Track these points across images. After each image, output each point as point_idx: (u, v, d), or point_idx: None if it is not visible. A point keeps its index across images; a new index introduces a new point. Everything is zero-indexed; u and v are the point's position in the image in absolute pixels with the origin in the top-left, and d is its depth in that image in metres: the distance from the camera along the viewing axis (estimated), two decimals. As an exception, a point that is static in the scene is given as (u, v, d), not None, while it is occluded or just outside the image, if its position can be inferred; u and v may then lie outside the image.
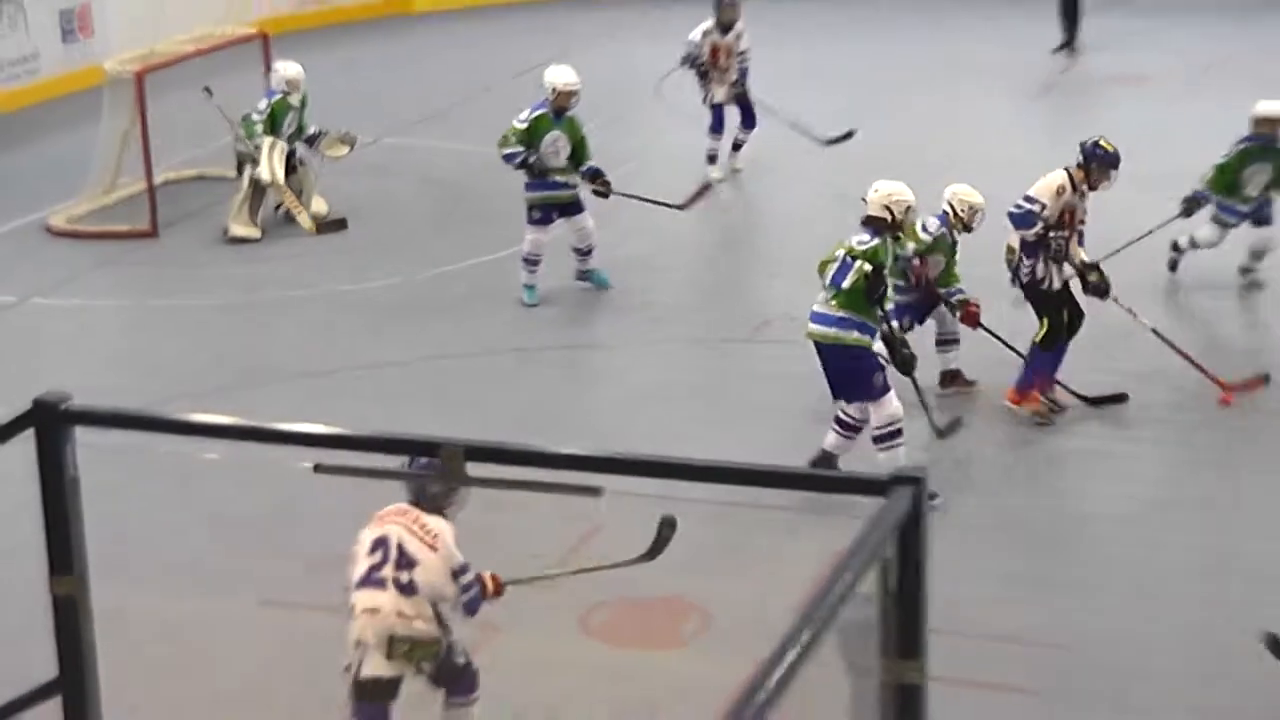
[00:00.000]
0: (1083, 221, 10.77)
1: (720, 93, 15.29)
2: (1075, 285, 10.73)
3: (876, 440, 9.44)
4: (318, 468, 3.61)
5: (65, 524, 3.61)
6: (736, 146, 15.63)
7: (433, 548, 6.89)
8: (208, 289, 13.37)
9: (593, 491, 3.40)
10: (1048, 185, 10.57)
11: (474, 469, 3.42)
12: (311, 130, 14.82)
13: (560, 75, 12.54)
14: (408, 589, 6.87)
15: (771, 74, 16.26)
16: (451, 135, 17.10)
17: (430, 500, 7.00)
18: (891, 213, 9.65)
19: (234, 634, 8.22)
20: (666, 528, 7.42)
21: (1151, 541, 9.11)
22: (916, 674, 3.12)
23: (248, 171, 14.55)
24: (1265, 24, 20.61)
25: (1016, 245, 10.63)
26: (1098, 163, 10.65)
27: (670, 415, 10.62)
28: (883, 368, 9.53)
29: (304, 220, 14.52)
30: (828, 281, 9.49)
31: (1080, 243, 10.75)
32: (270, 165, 14.44)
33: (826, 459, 9.73)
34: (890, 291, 9.58)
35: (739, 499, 7.15)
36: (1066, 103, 18.62)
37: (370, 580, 6.89)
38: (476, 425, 9.82)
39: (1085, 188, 10.67)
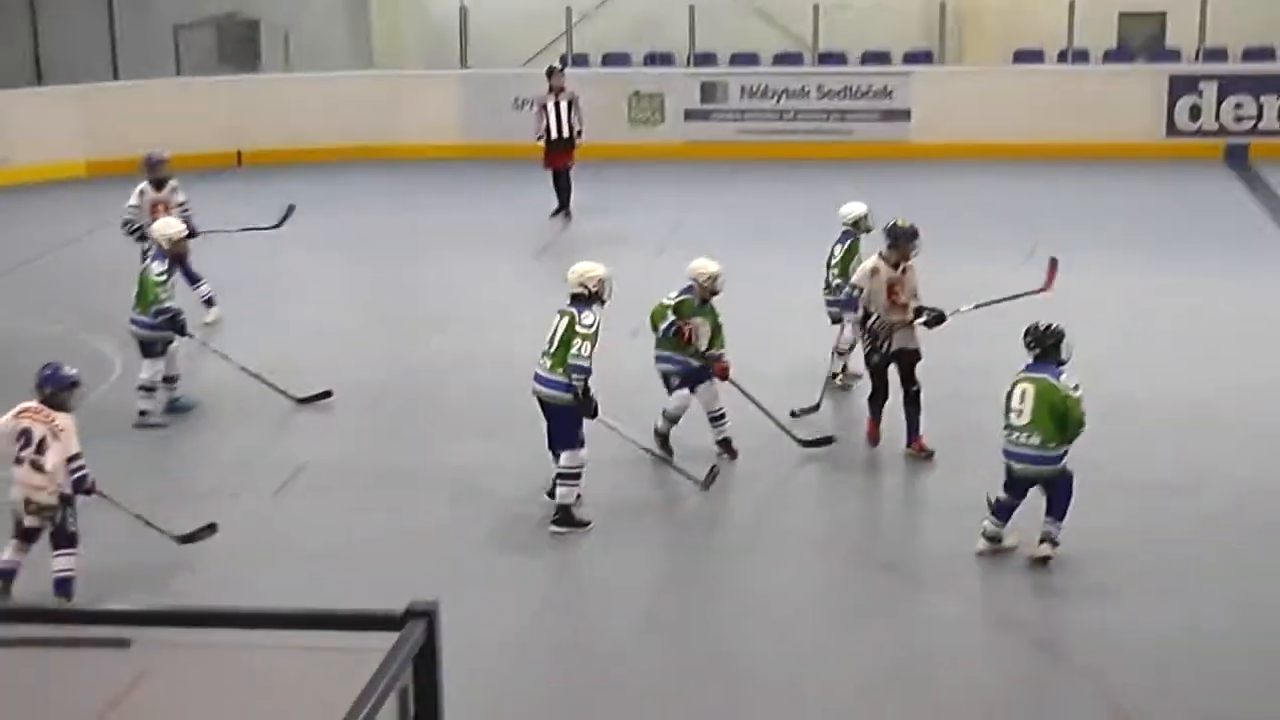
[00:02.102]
0: (915, 294, 11.83)
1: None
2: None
3: (560, 478, 10.71)
4: None
5: None
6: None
7: (56, 438, 9.45)
8: None
9: (120, 644, 3.27)
10: (862, 270, 11.90)
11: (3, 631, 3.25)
12: None
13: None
14: (39, 468, 9.43)
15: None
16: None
17: (57, 401, 9.60)
18: (587, 288, 10.74)
19: None
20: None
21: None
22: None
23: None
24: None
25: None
26: (901, 238, 11.71)
27: (206, 569, 10.33)
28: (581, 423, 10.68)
29: None
30: (552, 350, 10.63)
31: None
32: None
33: (564, 512, 10.75)
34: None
35: (277, 641, 6.99)
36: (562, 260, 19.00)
37: (18, 460, 9.47)
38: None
39: (902, 263, 11.72)
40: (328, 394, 13.46)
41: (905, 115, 23.99)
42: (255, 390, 13.20)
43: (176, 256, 13.35)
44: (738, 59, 26.16)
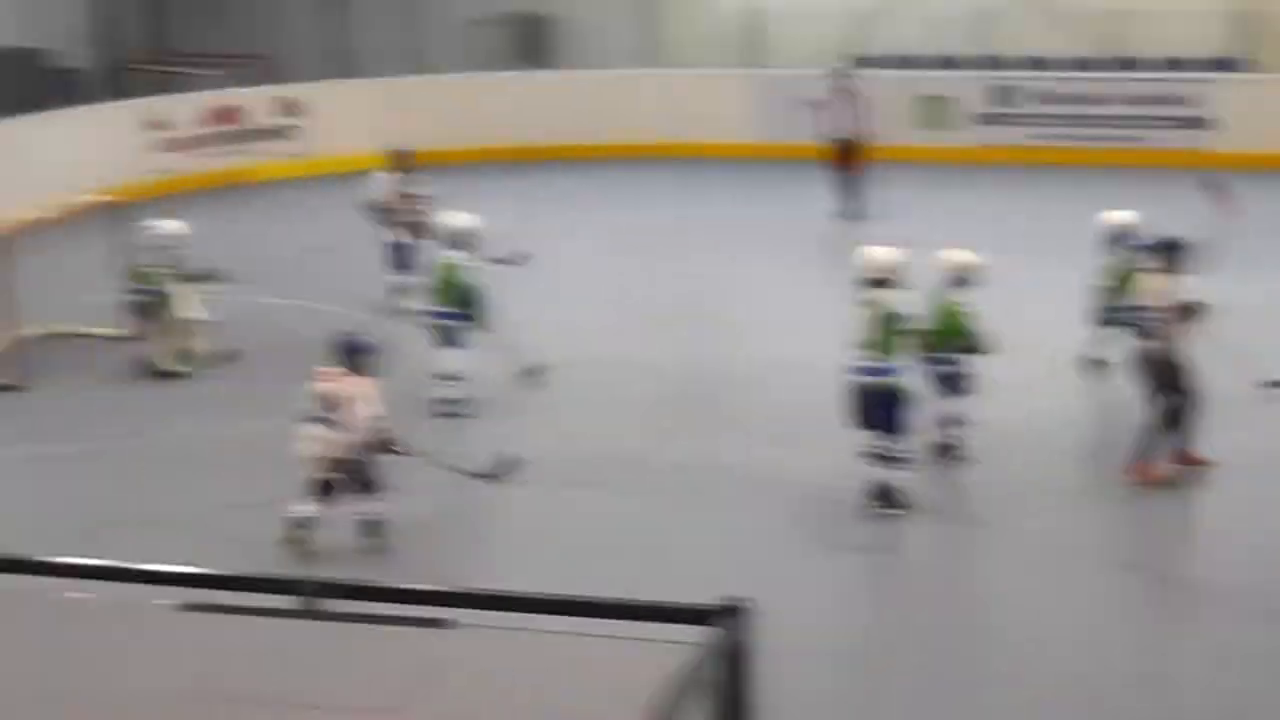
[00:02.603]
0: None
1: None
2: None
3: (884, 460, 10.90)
4: (185, 606, 3.58)
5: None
6: None
7: (360, 399, 10.35)
8: (69, 437, 13.11)
9: (445, 624, 3.41)
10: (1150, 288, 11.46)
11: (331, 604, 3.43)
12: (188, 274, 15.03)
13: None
14: (339, 426, 10.31)
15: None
16: (291, 292, 17.02)
17: (356, 365, 10.48)
18: (886, 273, 11.03)
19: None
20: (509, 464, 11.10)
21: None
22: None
23: (165, 313, 14.73)
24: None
25: None
26: (1172, 252, 11.45)
27: (500, 552, 10.58)
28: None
29: (197, 351, 14.76)
30: (875, 339, 10.79)
31: None
32: (185, 306, 14.76)
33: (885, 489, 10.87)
34: None
35: (563, 628, 7.14)
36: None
37: (321, 420, 10.34)
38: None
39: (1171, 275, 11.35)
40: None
41: (1204, 123, 23.34)
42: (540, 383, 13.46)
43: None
44: (1031, 63, 25.75)
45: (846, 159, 20.30)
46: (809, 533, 10.95)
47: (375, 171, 16.68)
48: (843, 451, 11.13)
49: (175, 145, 23.22)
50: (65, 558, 3.74)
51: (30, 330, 14.82)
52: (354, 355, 10.65)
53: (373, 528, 10.56)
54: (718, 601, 3.26)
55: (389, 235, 16.41)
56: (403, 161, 16.56)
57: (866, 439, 10.90)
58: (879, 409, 10.85)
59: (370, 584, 3.42)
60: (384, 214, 16.38)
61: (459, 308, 13.25)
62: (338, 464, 10.44)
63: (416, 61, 26.80)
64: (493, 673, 7.22)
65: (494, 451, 11.31)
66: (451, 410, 13.20)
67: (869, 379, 10.83)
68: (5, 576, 3.64)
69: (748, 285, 17.33)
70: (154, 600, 3.72)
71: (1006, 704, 8.71)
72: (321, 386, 10.51)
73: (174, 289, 14.85)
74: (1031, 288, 15.16)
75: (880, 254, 11.17)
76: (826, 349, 11.67)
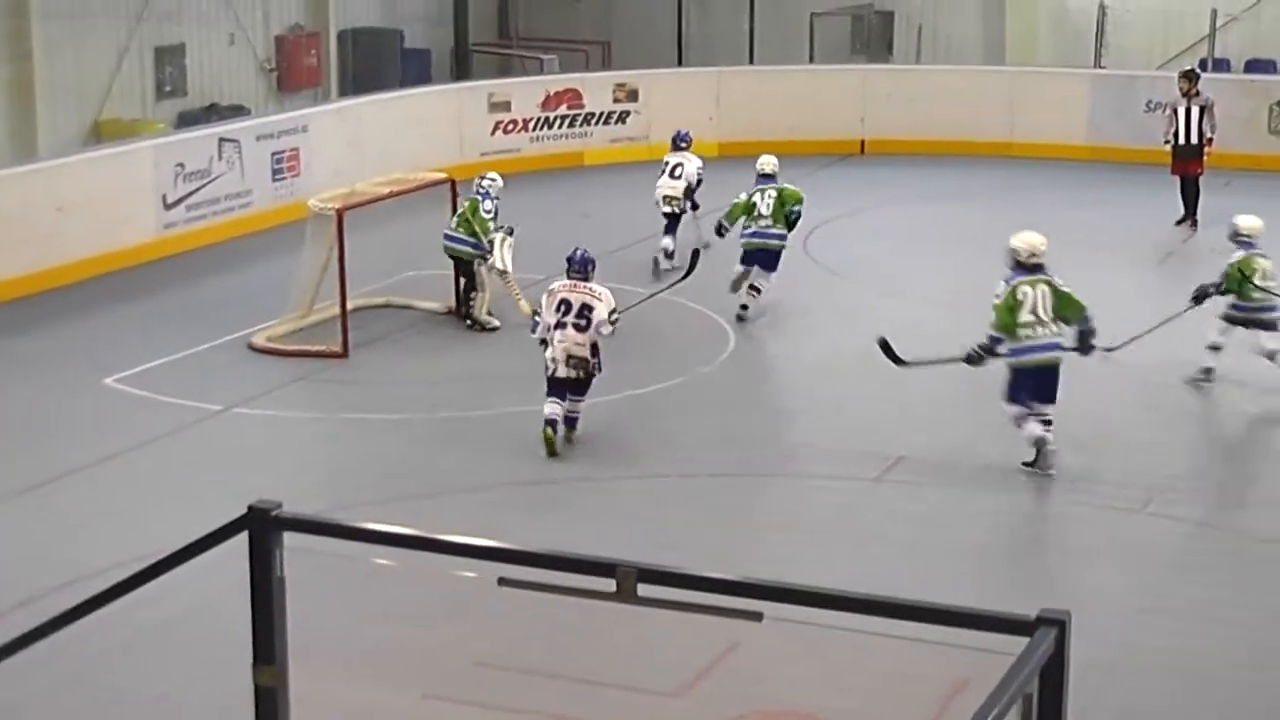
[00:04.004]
0: None
1: None
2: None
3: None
4: (501, 581, 3.60)
5: (270, 620, 3.63)
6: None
7: (599, 300, 12.23)
8: (391, 406, 13.51)
9: (754, 616, 3.37)
10: None
11: (644, 589, 3.41)
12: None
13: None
14: (583, 328, 12.08)
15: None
16: (622, 277, 17.22)
17: (587, 274, 12.42)
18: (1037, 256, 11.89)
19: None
20: (696, 257, 13.89)
21: None
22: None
23: (483, 267, 15.48)
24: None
25: None
26: None
27: (808, 545, 10.55)
28: None
29: (524, 307, 14.93)
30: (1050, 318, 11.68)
31: None
32: (502, 256, 15.36)
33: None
34: None
35: (872, 627, 7.07)
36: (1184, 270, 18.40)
37: (560, 324, 12.09)
38: (637, 543, 9.84)
39: None
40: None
41: None
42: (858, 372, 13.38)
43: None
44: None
45: (1186, 164, 19.66)
46: (1101, 546, 10.66)
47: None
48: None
49: (515, 126, 23.71)
50: (380, 524, 3.80)
51: (356, 301, 15.30)
52: (585, 266, 12.53)
53: (572, 423, 12.35)
54: (1039, 613, 3.15)
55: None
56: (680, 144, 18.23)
57: None
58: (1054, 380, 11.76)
59: (684, 572, 3.39)
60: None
61: None
62: (580, 363, 12.17)
63: (754, 52, 26.92)
64: (791, 664, 7.20)
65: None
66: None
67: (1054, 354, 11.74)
68: (320, 538, 3.72)
69: (1080, 289, 16.85)
70: (461, 571, 3.75)
71: None
72: (565, 294, 12.28)
73: (497, 237, 15.49)
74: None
75: (1034, 239, 11.91)
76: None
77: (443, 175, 17.03)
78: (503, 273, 15.50)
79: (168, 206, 18.76)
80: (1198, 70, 20.67)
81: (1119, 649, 9.03)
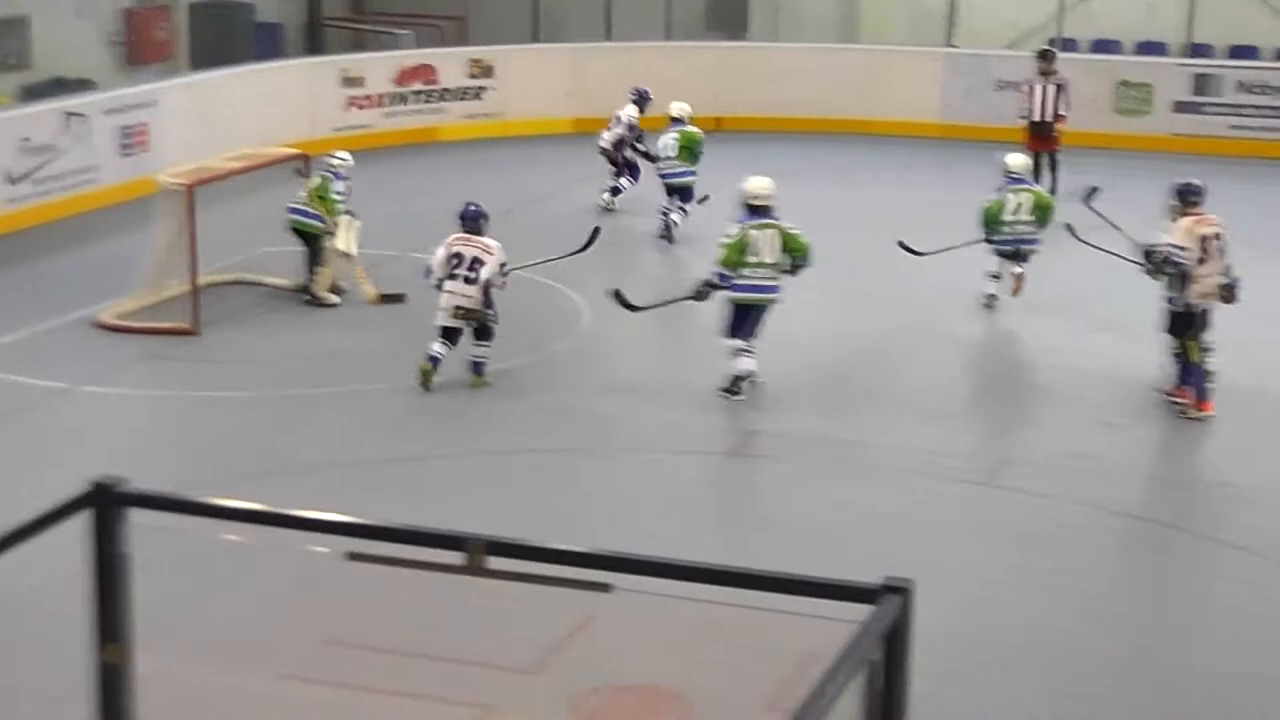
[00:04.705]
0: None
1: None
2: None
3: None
4: (351, 556, 3.59)
5: (115, 597, 3.59)
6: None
7: (490, 252, 12.83)
8: (241, 383, 13.38)
9: (603, 587, 3.39)
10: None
11: (494, 562, 3.42)
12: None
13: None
14: (472, 281, 12.70)
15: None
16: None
17: (479, 229, 12.98)
18: (770, 199, 13.00)
19: (254, 705, 8.13)
20: (596, 233, 14.22)
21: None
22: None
23: (328, 244, 15.41)
24: None
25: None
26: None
27: (655, 519, 10.61)
28: None
29: (368, 290, 15.24)
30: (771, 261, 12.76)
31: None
32: (346, 239, 15.30)
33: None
34: None
35: (724, 598, 7.13)
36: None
37: (452, 276, 12.74)
38: (485, 520, 9.81)
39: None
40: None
41: None
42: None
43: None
44: (1236, 51, 25.16)
45: (1042, 142, 20.02)
46: (952, 518, 10.85)
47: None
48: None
49: (368, 102, 23.52)
50: (229, 500, 3.77)
51: (207, 278, 15.12)
52: (477, 219, 13.12)
53: (478, 367, 12.98)
54: (884, 581, 3.21)
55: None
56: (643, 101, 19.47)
57: None
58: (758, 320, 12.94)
59: (534, 545, 3.41)
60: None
61: None
62: (468, 313, 12.79)
63: (613, 29, 26.90)
64: (645, 637, 7.24)
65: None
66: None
67: (768, 295, 12.85)
68: (168, 516, 3.68)
69: (929, 263, 17.09)
70: (310, 547, 3.74)
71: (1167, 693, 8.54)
72: (459, 246, 12.88)
73: (343, 220, 15.47)
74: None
75: (762, 182, 12.99)
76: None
77: (295, 151, 16.87)
78: (346, 256, 15.44)
79: (12, 182, 18.40)
80: (1054, 50, 21.06)
81: (964, 619, 9.20)
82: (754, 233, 12.77)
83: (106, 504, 3.54)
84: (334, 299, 15.50)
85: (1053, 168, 19.96)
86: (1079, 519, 10.89)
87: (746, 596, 3.52)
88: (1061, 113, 19.92)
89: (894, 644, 3.07)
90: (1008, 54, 24.87)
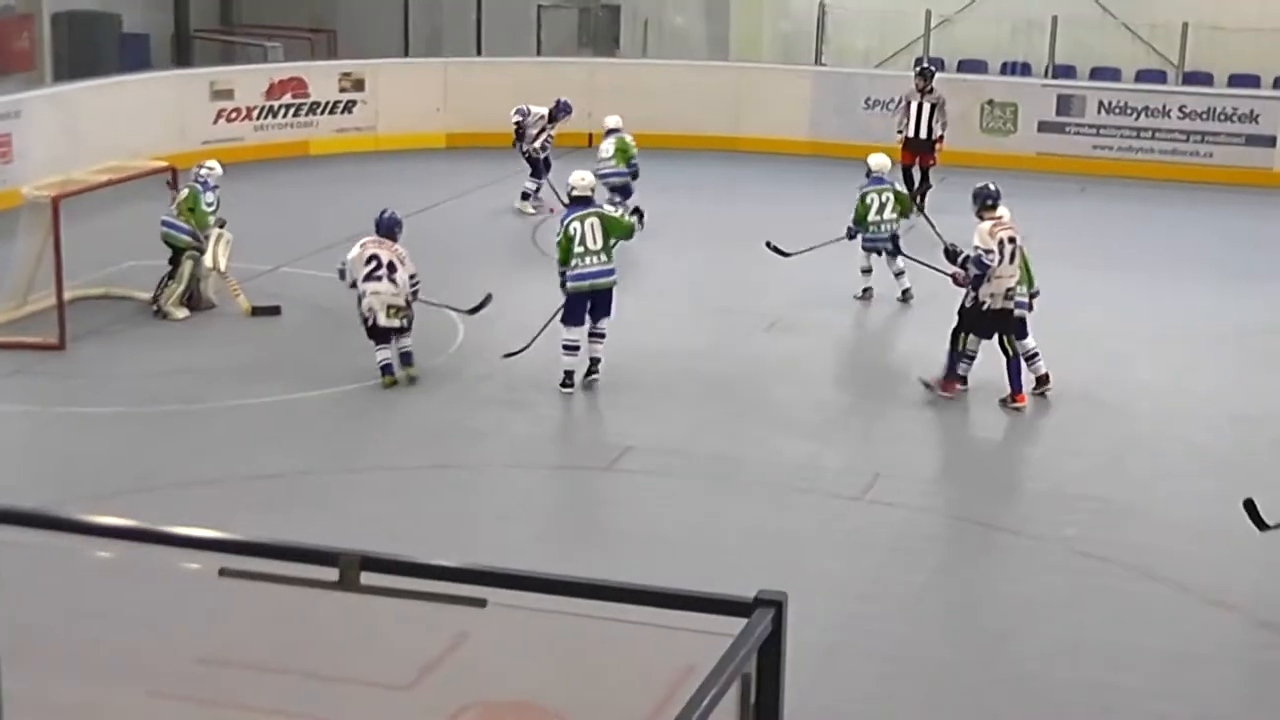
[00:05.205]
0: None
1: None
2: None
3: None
4: (223, 571, 3.56)
5: (-21, 616, 3.53)
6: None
7: (403, 262, 13.31)
8: (109, 399, 13.19)
9: (478, 603, 3.39)
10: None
11: (369, 578, 3.40)
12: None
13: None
14: (394, 280, 13.16)
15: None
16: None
17: (394, 235, 13.41)
18: (590, 190, 13.91)
19: (122, 724, 8.02)
20: (488, 300, 14.03)
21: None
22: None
23: (189, 260, 15.29)
24: None
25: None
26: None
27: (530, 534, 10.60)
28: None
29: (242, 303, 15.21)
30: (601, 247, 13.34)
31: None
32: (215, 253, 15.24)
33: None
34: None
35: (600, 613, 7.14)
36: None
37: (372, 276, 13.15)
38: (359, 536, 9.75)
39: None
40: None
41: (1272, 142, 23.15)
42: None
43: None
44: (1098, 73, 25.62)
45: (913, 156, 20.38)
46: (827, 533, 10.94)
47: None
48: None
49: (238, 115, 23.30)
50: (97, 517, 3.72)
51: (73, 292, 14.90)
52: (393, 227, 13.51)
53: (408, 358, 13.43)
54: (757, 594, 3.23)
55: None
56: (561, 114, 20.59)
57: None
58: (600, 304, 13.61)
59: (408, 560, 3.39)
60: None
61: None
62: (397, 311, 13.25)
63: (482, 43, 26.87)
64: (520, 653, 7.23)
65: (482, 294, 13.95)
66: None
67: (603, 280, 13.46)
68: (35, 532, 3.63)
69: (796, 279, 17.22)
70: (184, 564, 3.70)
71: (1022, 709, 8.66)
72: (374, 249, 13.29)
73: (214, 232, 15.41)
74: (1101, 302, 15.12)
75: (582, 175, 13.85)
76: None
77: (163, 164, 16.68)
78: (218, 271, 15.34)
79: None
80: (932, 68, 21.43)
81: (837, 633, 9.28)
82: (575, 224, 13.37)
83: (-29, 521, 3.48)
84: (181, 314, 15.33)
85: (924, 179, 20.28)
86: (944, 531, 11.03)
87: (622, 611, 3.53)
88: (938, 132, 20.32)
89: (767, 656, 3.09)
90: (876, 73, 25.16)
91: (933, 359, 13.65)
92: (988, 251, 12.94)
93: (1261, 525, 9.66)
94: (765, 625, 3.09)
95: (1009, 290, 13.08)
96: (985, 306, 13.08)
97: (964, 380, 13.37)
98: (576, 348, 13.44)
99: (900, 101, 20.94)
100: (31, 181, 15.75)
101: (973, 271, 13.03)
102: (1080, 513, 11.30)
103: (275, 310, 15.16)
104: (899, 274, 16.26)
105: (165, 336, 14.92)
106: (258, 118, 23.45)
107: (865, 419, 13.50)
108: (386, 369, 13.37)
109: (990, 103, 24.17)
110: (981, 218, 13.23)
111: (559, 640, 7.53)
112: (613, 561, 9.91)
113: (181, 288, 15.34)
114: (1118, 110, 23.84)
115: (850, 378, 13.96)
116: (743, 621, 3.15)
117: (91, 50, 25.58)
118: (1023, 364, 13.17)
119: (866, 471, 12.00)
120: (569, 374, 13.44)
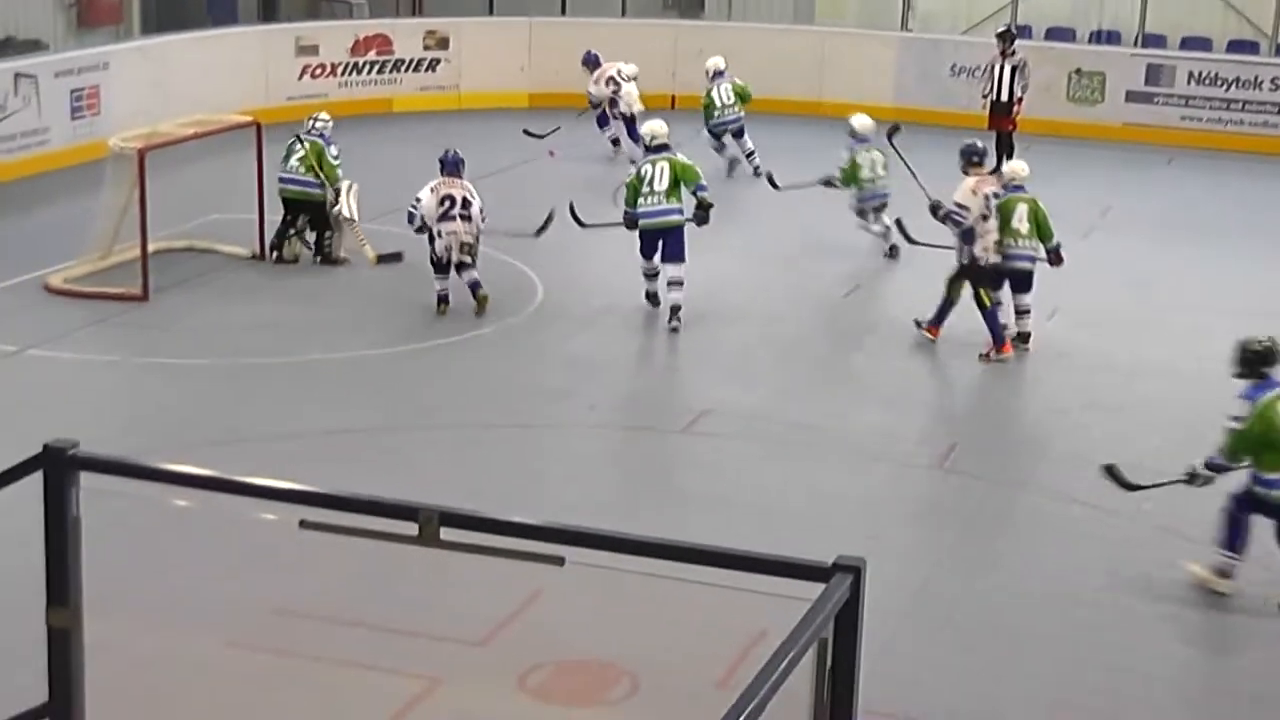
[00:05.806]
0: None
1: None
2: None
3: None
4: (303, 524, 3.59)
5: (65, 560, 3.58)
6: None
7: (474, 196, 13.92)
8: (191, 351, 13.30)
9: (555, 561, 3.40)
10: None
11: (447, 533, 3.42)
12: None
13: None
14: (468, 219, 13.82)
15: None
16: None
17: (460, 172, 14.01)
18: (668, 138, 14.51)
19: (201, 672, 8.11)
20: (551, 217, 15.00)
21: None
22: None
23: (336, 210, 15.60)
24: None
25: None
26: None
27: (605, 495, 10.62)
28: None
29: (368, 252, 15.52)
30: (667, 189, 13.95)
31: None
32: (348, 203, 15.53)
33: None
34: None
35: (676, 573, 7.14)
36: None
37: (447, 216, 13.80)
38: (436, 492, 9.79)
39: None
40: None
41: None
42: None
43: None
44: (1188, 43, 25.28)
45: (1002, 121, 20.24)
46: (903, 500, 10.91)
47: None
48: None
49: (323, 71, 23.39)
50: (180, 466, 3.76)
51: (157, 244, 15.01)
52: (458, 164, 14.08)
53: (476, 285, 13.93)
54: (836, 559, 3.22)
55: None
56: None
57: None
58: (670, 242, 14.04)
59: (488, 517, 3.41)
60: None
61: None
62: (467, 247, 13.82)
63: (567, 3, 26.82)
64: (593, 612, 7.25)
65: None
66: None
67: (669, 219, 14.07)
68: (119, 480, 3.67)
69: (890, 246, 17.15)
70: (261, 514, 3.73)
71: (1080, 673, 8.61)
72: (447, 190, 13.85)
73: (344, 186, 15.66)
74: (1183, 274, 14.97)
75: (656, 124, 14.44)
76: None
77: (248, 118, 16.77)
78: (350, 221, 15.50)
79: (-40, 142, 18.25)
80: (1013, 30, 21.23)
81: (912, 600, 9.25)
82: (647, 167, 14.06)
83: (57, 467, 3.52)
84: (346, 258, 15.73)
85: (1009, 151, 20.05)
86: (1021, 502, 10.96)
87: (698, 573, 3.53)
88: (1018, 93, 20.15)
89: (845, 622, 3.09)
90: (963, 39, 24.93)
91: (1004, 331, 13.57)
92: (962, 208, 13.28)
93: (1129, 486, 9.93)
94: (844, 590, 3.09)
95: (997, 243, 13.32)
96: (984, 261, 13.33)
97: (1022, 338, 13.63)
98: (655, 273, 14.19)
99: (984, 67, 20.80)
100: (118, 134, 15.87)
101: (952, 229, 13.41)
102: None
103: (398, 257, 15.42)
104: (884, 231, 16.43)
105: (247, 290, 15.02)
106: (342, 74, 23.53)
107: (941, 387, 13.44)
108: (444, 298, 14.00)
109: (1078, 71, 23.89)
110: (967, 174, 13.57)
111: (632, 601, 7.56)
112: (687, 524, 9.89)
113: (342, 234, 15.70)
114: (1208, 81, 23.50)
115: (928, 346, 13.84)
116: (818, 587, 3.15)
117: (179, 4, 25.72)
118: (998, 314, 13.41)
119: (944, 440, 11.95)
120: (650, 294, 14.30)
